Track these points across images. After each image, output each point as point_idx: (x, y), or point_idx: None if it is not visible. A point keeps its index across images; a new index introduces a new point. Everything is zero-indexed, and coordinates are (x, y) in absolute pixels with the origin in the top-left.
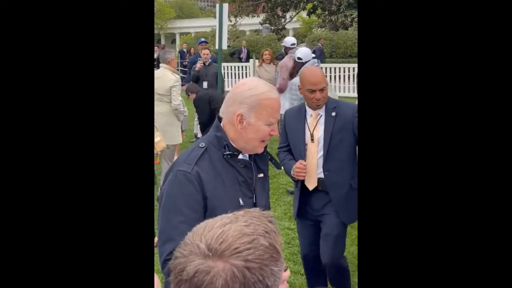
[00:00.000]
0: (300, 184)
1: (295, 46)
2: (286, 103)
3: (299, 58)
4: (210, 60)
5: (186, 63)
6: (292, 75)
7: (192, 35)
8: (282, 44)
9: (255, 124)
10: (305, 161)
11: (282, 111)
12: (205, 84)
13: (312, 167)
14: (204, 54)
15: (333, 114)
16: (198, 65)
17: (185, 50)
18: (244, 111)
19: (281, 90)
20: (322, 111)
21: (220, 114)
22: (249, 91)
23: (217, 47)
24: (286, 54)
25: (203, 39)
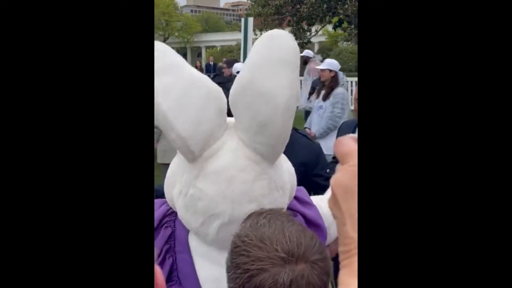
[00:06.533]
0: None
1: None
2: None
3: (330, 70)
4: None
5: (212, 76)
6: (332, 88)
7: (218, 48)
8: None
9: None
10: None
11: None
12: None
13: None
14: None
15: None
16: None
17: (211, 63)
18: None
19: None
20: None
21: None
22: None
23: (242, 60)
24: None
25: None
